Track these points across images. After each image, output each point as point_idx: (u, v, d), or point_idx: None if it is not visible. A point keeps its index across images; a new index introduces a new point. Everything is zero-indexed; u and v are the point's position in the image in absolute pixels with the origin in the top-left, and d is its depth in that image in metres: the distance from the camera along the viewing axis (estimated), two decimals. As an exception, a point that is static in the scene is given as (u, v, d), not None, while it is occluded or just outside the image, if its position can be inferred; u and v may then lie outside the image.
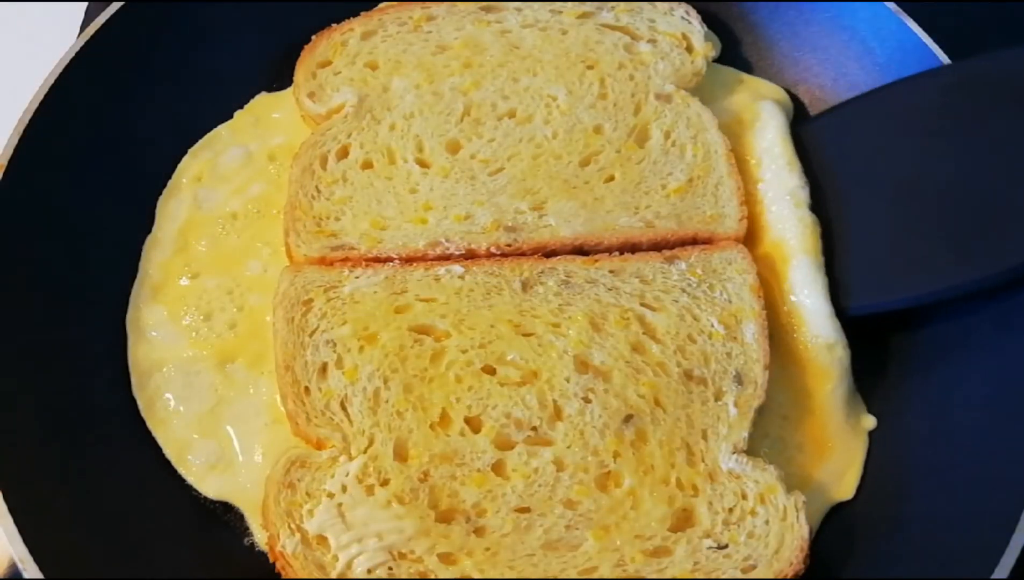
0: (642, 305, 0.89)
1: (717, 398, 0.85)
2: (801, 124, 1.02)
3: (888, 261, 0.89)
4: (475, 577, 0.77)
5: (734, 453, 0.82)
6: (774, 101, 1.02)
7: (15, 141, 0.89)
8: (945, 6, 1.07)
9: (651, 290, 0.90)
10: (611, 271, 0.91)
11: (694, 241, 0.94)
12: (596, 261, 0.92)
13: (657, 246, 0.94)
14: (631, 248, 0.93)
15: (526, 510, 0.80)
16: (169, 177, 1.01)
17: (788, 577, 0.77)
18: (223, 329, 0.91)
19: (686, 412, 0.84)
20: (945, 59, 0.96)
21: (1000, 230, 0.84)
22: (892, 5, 1.00)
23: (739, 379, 0.85)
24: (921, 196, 0.89)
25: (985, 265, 0.84)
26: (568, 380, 0.85)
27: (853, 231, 0.92)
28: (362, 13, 1.08)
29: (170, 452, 0.87)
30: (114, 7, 0.98)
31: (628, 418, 0.83)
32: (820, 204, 0.95)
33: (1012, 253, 0.83)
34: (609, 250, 0.93)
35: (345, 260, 0.92)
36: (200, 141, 1.03)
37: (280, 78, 1.06)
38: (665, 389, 0.85)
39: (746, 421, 0.83)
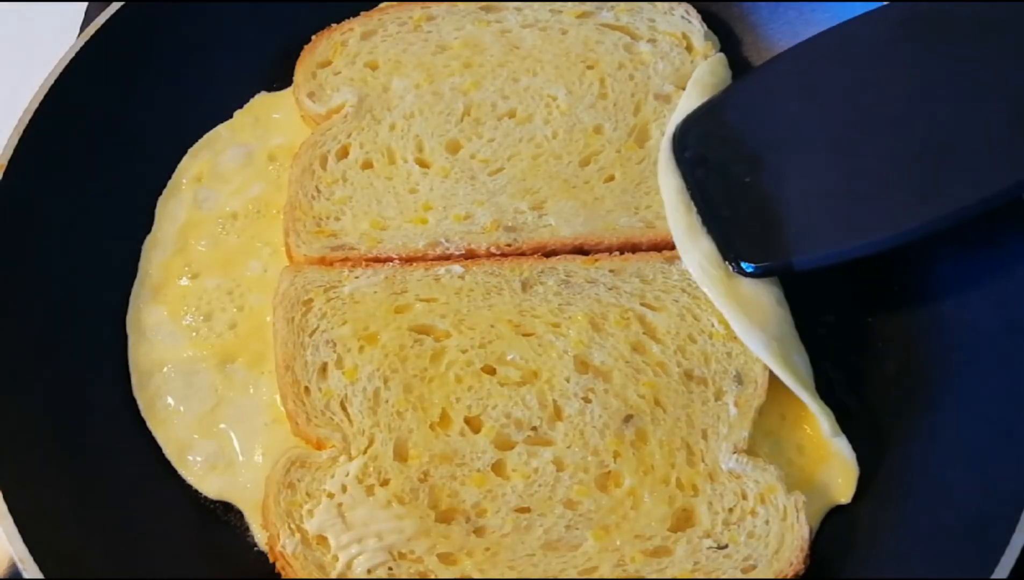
0: (642, 305, 0.89)
1: (717, 398, 0.85)
2: (741, 78, 1.00)
3: (839, 210, 0.86)
4: (475, 577, 0.77)
5: (734, 453, 0.82)
6: None
7: (15, 141, 0.89)
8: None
9: (651, 290, 0.90)
10: (611, 271, 0.91)
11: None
12: (596, 261, 0.92)
13: (657, 246, 0.93)
14: (631, 248, 0.93)
15: (526, 510, 0.80)
16: (169, 177, 1.01)
17: (788, 577, 0.77)
18: (223, 329, 0.91)
19: (686, 412, 0.84)
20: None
21: (952, 168, 0.81)
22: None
23: (739, 379, 0.85)
24: (868, 141, 0.86)
25: (938, 205, 0.81)
26: (568, 380, 0.85)
27: (804, 185, 0.88)
28: (362, 13, 1.08)
29: (170, 452, 0.87)
30: (114, 7, 0.98)
31: (628, 418, 0.83)
32: (764, 162, 0.91)
33: (965, 191, 0.80)
34: (609, 250, 0.93)
35: (345, 260, 0.92)
36: (200, 141, 1.03)
37: (280, 78, 1.06)
38: (665, 389, 0.85)
39: (746, 421, 0.84)
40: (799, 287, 0.90)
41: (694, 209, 0.91)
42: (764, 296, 0.87)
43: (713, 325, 0.88)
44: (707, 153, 0.93)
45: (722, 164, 0.92)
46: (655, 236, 0.93)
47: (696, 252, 0.89)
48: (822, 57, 0.93)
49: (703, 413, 0.84)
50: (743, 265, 0.87)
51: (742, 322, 0.85)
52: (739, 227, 0.89)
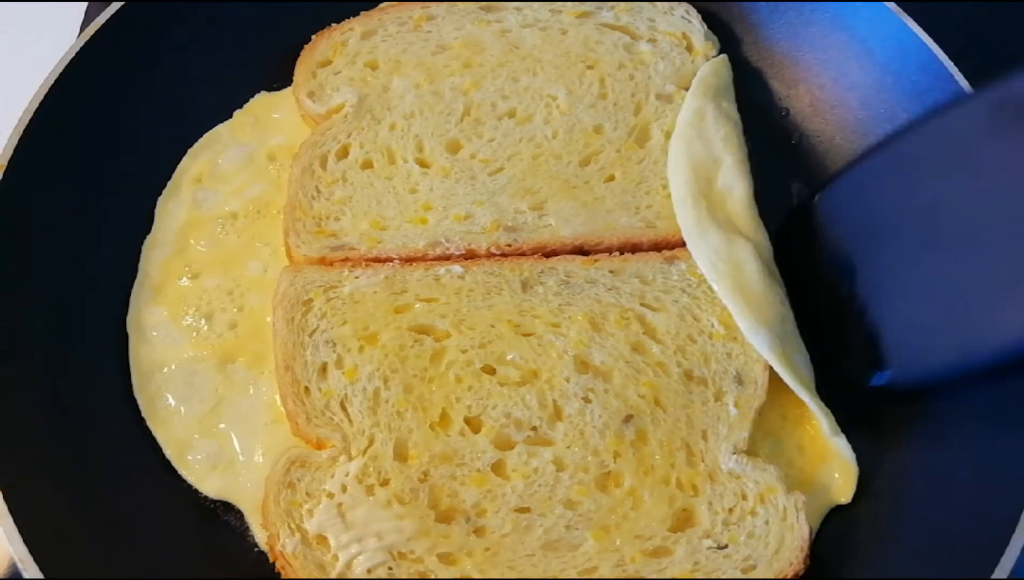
0: (642, 305, 0.89)
1: (717, 398, 0.85)
2: (821, 191, 0.92)
3: (943, 324, 0.78)
4: (475, 577, 0.77)
5: (734, 453, 0.82)
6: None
7: (15, 141, 0.89)
8: (945, 6, 1.06)
9: (651, 290, 0.90)
10: (611, 271, 0.91)
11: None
12: (596, 261, 0.92)
13: (658, 246, 0.94)
14: (632, 248, 0.93)
15: (526, 510, 0.80)
16: (168, 177, 1.01)
17: (788, 577, 0.78)
18: (223, 329, 0.91)
19: (686, 412, 0.84)
20: (944, 58, 0.96)
21: None
22: (892, 5, 1.00)
23: (739, 379, 0.85)
24: (974, 246, 0.78)
25: None
26: (568, 380, 0.85)
27: (890, 295, 0.83)
28: (362, 13, 1.08)
29: (170, 452, 0.87)
30: (114, 7, 0.98)
31: (628, 418, 0.83)
32: (846, 270, 0.87)
33: None
34: (609, 250, 0.93)
35: (345, 260, 0.92)
36: (200, 141, 1.03)
37: (280, 78, 1.06)
38: (665, 389, 0.85)
39: (746, 421, 0.84)
40: (799, 285, 0.90)
41: (703, 204, 0.91)
42: (771, 296, 0.87)
43: (713, 325, 0.88)
44: (803, 257, 0.90)
45: (818, 268, 0.89)
46: (656, 236, 0.93)
47: (705, 246, 0.89)
48: (915, 154, 0.85)
49: (703, 413, 0.84)
50: (860, 379, 0.84)
51: (748, 319, 0.86)
52: (838, 339, 0.86)
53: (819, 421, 0.84)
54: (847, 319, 0.85)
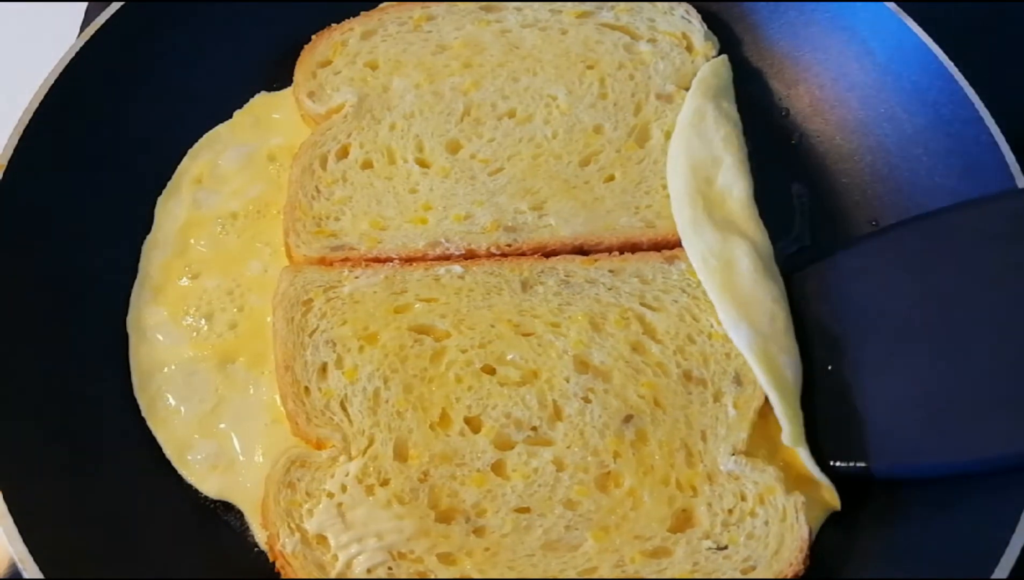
0: (642, 305, 0.89)
1: (716, 399, 0.85)
2: (825, 262, 0.91)
3: (928, 419, 0.78)
4: (475, 577, 0.77)
5: (733, 454, 0.82)
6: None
7: (15, 141, 0.89)
8: (945, 6, 1.06)
9: (651, 290, 0.90)
10: (611, 271, 0.91)
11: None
12: (596, 261, 0.92)
13: (657, 246, 0.94)
14: (631, 248, 0.93)
15: (526, 510, 0.80)
16: (168, 177, 1.01)
17: (788, 578, 0.77)
18: (223, 329, 0.91)
19: (685, 413, 0.84)
20: (944, 58, 0.96)
21: None
22: (892, 5, 1.00)
23: (738, 380, 0.85)
24: (966, 344, 0.78)
25: None
26: (568, 380, 0.85)
27: (886, 383, 0.82)
28: (362, 13, 1.08)
29: (171, 452, 0.87)
30: (114, 7, 0.98)
31: (628, 418, 0.83)
32: (835, 349, 0.86)
33: None
34: (609, 250, 0.93)
35: (345, 260, 0.92)
36: (200, 141, 1.03)
37: (280, 78, 1.06)
38: (664, 390, 0.85)
39: (745, 422, 0.83)
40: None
41: (700, 202, 0.91)
42: (761, 294, 0.87)
43: (712, 325, 0.88)
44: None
45: (804, 346, 0.87)
46: (655, 235, 0.93)
47: (700, 244, 0.89)
48: (922, 243, 0.85)
49: (702, 414, 0.84)
50: (833, 461, 0.82)
51: (730, 315, 0.86)
52: (816, 417, 0.84)
53: (782, 427, 0.83)
54: (827, 398, 0.84)
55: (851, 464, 0.81)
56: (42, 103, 0.91)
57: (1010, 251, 0.79)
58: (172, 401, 0.89)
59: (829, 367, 0.85)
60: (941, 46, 0.97)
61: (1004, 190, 0.87)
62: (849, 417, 0.82)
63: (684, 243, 0.91)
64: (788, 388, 0.84)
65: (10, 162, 0.88)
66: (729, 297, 0.87)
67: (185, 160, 1.02)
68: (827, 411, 0.84)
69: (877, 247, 0.88)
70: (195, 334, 0.91)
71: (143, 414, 0.89)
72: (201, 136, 1.03)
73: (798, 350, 0.86)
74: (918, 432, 0.78)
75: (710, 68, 1.02)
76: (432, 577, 0.77)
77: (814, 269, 0.91)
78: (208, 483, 0.85)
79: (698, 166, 0.94)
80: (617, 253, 0.93)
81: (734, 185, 0.93)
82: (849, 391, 0.83)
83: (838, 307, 0.87)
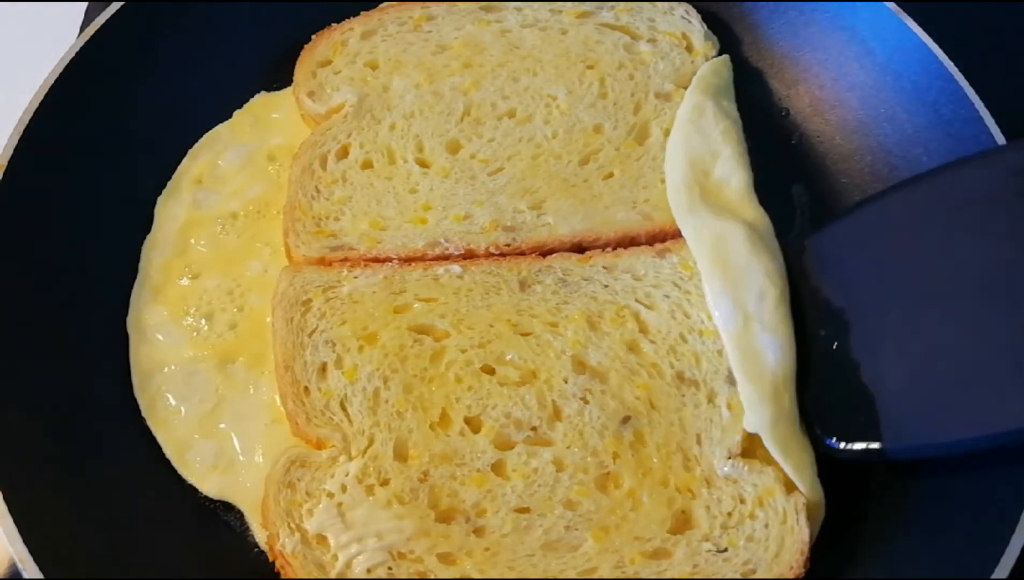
0: (636, 301, 0.89)
1: (710, 401, 0.84)
2: (815, 233, 0.88)
3: (942, 394, 0.74)
4: (475, 577, 0.77)
5: (729, 458, 0.82)
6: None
7: (15, 141, 0.89)
8: (945, 6, 1.06)
9: (643, 286, 0.90)
10: (605, 268, 0.91)
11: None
12: (590, 258, 0.92)
13: (654, 238, 0.93)
14: (629, 241, 0.93)
15: (526, 510, 0.80)
16: (168, 177, 1.01)
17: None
18: (223, 329, 0.92)
19: (679, 416, 0.84)
20: (944, 58, 0.96)
21: None
22: (892, 5, 1.00)
23: (731, 380, 0.85)
24: (973, 312, 0.74)
25: None
26: (566, 380, 0.85)
27: (899, 358, 0.77)
28: (362, 13, 1.08)
29: (171, 452, 0.87)
30: (114, 7, 0.98)
31: (626, 419, 0.83)
32: (839, 325, 0.82)
33: None
34: (607, 245, 0.93)
35: (344, 260, 0.92)
36: (200, 141, 1.03)
37: (280, 78, 1.06)
38: (659, 392, 0.85)
39: (739, 424, 0.83)
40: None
41: (696, 190, 0.91)
42: (754, 267, 0.85)
43: (703, 321, 0.87)
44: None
45: (807, 324, 0.83)
46: (652, 227, 0.94)
47: (694, 220, 0.90)
48: (922, 207, 0.80)
49: (695, 417, 0.84)
50: (829, 442, 0.79)
51: (715, 289, 0.85)
52: (825, 397, 0.80)
53: (745, 410, 0.80)
54: (836, 378, 0.81)
55: (865, 446, 0.77)
56: (42, 103, 0.91)
57: (1011, 207, 0.75)
58: (172, 401, 0.89)
59: (835, 345, 0.81)
60: (941, 46, 0.97)
61: (999, 146, 0.84)
62: (859, 397, 0.78)
63: (681, 228, 0.91)
64: (761, 370, 0.81)
65: (10, 162, 0.88)
66: (719, 271, 0.85)
67: (185, 160, 1.02)
68: (836, 392, 0.80)
69: (872, 214, 0.85)
70: (195, 334, 0.91)
71: (143, 414, 0.89)
72: (201, 136, 1.03)
73: (791, 330, 0.83)
74: (931, 407, 0.74)
75: (711, 67, 1.02)
76: (432, 577, 0.77)
77: (808, 242, 0.88)
78: (208, 483, 0.85)
79: (696, 160, 0.94)
80: (611, 249, 0.93)
81: (732, 176, 0.93)
82: (857, 369, 0.79)
83: (837, 280, 0.83)
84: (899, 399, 0.77)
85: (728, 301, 0.84)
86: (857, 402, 0.78)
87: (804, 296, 0.85)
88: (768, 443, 0.80)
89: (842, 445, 0.79)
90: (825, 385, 0.81)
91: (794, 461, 0.80)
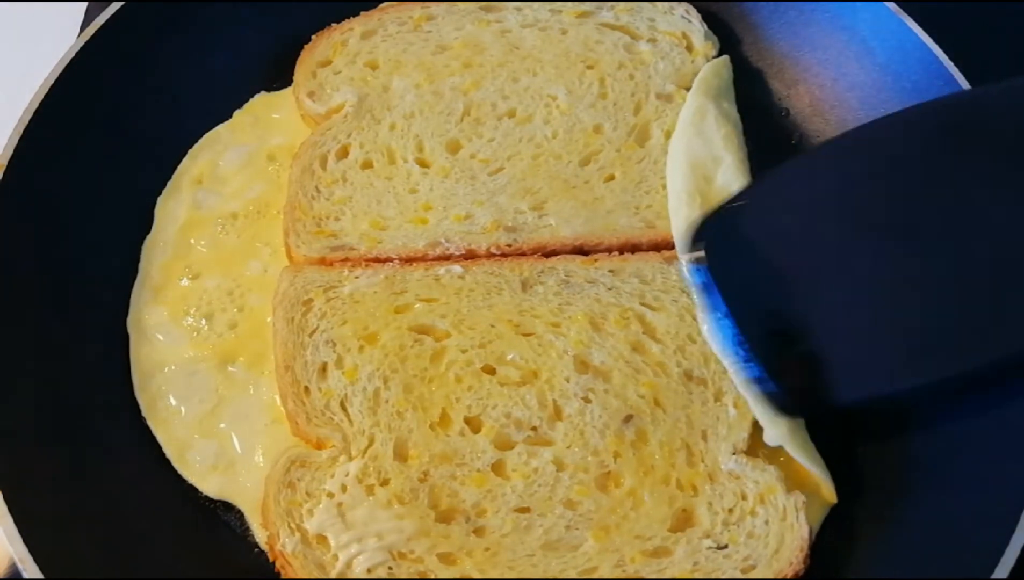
0: (642, 305, 0.89)
1: (717, 399, 0.85)
2: (764, 178, 0.88)
3: (883, 341, 0.76)
4: (475, 577, 0.77)
5: (734, 454, 0.82)
6: None
7: (15, 141, 0.89)
8: (945, 6, 1.06)
9: (651, 290, 0.90)
10: (611, 271, 0.91)
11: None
12: (596, 261, 0.92)
13: (657, 246, 0.93)
14: (631, 248, 0.93)
15: (526, 510, 0.80)
16: (168, 177, 1.01)
17: (788, 577, 0.77)
18: (224, 329, 0.91)
19: (686, 413, 0.84)
20: (944, 58, 0.96)
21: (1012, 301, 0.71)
22: (892, 5, 1.00)
23: (738, 379, 0.85)
24: (911, 260, 0.75)
25: (997, 345, 0.71)
26: (568, 380, 0.85)
27: (842, 308, 0.78)
28: (362, 13, 1.08)
29: (171, 452, 0.87)
30: (114, 7, 0.98)
31: (628, 418, 0.83)
32: (794, 278, 0.80)
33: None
34: (609, 250, 0.93)
35: (345, 260, 0.92)
36: (200, 142, 1.03)
37: (280, 78, 1.06)
38: (665, 389, 0.85)
39: (746, 422, 0.83)
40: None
41: (697, 201, 0.91)
42: None
43: (713, 325, 0.87)
44: (728, 265, 0.82)
45: (745, 279, 0.81)
46: (655, 236, 0.93)
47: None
48: (857, 159, 0.80)
49: (703, 414, 0.84)
50: (780, 396, 0.79)
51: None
52: (772, 352, 0.79)
53: (763, 427, 0.81)
54: (783, 333, 0.80)
55: (820, 398, 0.77)
56: (42, 103, 0.91)
57: (956, 154, 0.76)
58: (172, 401, 0.89)
59: (775, 298, 0.80)
60: (941, 46, 0.97)
61: (945, 95, 0.85)
62: (811, 350, 0.78)
63: (677, 242, 0.90)
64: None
65: (10, 162, 0.88)
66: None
67: (185, 160, 1.02)
68: (790, 348, 0.79)
69: (811, 165, 0.84)
70: (195, 334, 0.91)
71: (143, 414, 0.89)
72: (201, 136, 1.03)
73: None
74: (873, 355, 0.76)
75: (711, 68, 1.02)
76: (432, 577, 0.77)
77: (750, 196, 0.86)
78: (208, 483, 0.85)
79: (698, 164, 0.94)
80: (617, 253, 0.93)
81: (733, 184, 0.93)
82: (807, 324, 0.78)
83: (778, 233, 0.81)
84: (843, 347, 0.77)
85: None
86: (811, 357, 0.78)
87: (746, 248, 0.83)
88: (793, 452, 0.81)
89: (799, 401, 0.80)
90: (774, 337, 0.80)
91: (816, 461, 0.82)
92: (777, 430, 0.81)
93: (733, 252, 0.82)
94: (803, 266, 0.79)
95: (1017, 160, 0.73)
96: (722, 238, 0.82)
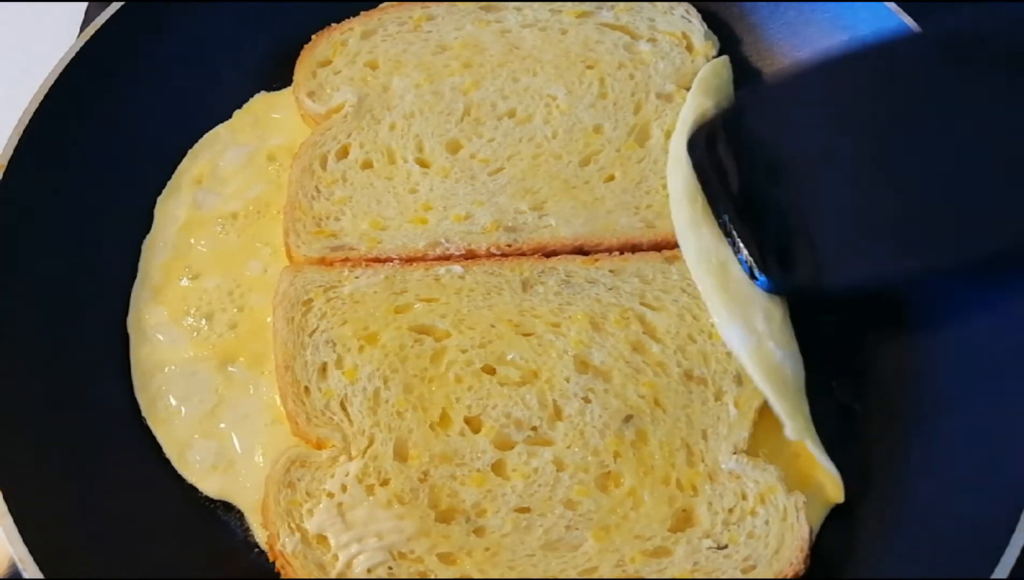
0: (642, 304, 0.89)
1: (717, 398, 0.85)
2: (764, 85, 0.96)
3: (870, 235, 0.83)
4: (475, 577, 0.77)
5: (734, 453, 0.82)
6: None
7: (15, 141, 0.89)
8: (945, 6, 1.06)
9: (651, 290, 0.90)
10: (611, 271, 0.91)
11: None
12: (596, 261, 0.92)
13: (658, 246, 0.93)
14: (632, 248, 0.93)
15: (526, 510, 0.80)
16: (168, 177, 1.01)
17: (788, 577, 0.77)
18: (224, 329, 0.92)
19: (686, 412, 0.84)
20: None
21: (986, 205, 0.79)
22: (892, 5, 1.00)
23: (739, 379, 0.85)
24: (901, 165, 0.82)
25: (974, 242, 0.79)
26: (568, 380, 0.85)
27: (831, 204, 0.84)
28: (362, 13, 1.08)
29: (171, 452, 0.87)
30: (114, 7, 0.98)
31: (628, 418, 0.83)
32: (788, 175, 0.87)
33: (1001, 229, 0.79)
34: (609, 250, 0.93)
35: (345, 260, 0.92)
36: (199, 142, 1.03)
37: (280, 78, 1.06)
38: (665, 389, 0.85)
39: (746, 421, 0.83)
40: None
41: (699, 200, 0.91)
42: (757, 293, 0.86)
43: (713, 325, 0.87)
44: (727, 160, 0.89)
45: (743, 174, 0.88)
46: (655, 236, 0.93)
47: (696, 242, 0.89)
48: (853, 73, 0.87)
49: (703, 413, 0.84)
50: (766, 279, 0.84)
51: (724, 317, 0.85)
52: (762, 241, 0.85)
53: (783, 423, 0.82)
54: (772, 222, 0.86)
55: (805, 282, 0.83)
56: (42, 103, 0.91)
57: (928, 80, 0.83)
58: (172, 401, 0.89)
59: (770, 193, 0.86)
60: (941, 46, 0.97)
61: (921, 30, 0.92)
62: (795, 239, 0.84)
63: (680, 243, 0.91)
64: (786, 384, 0.83)
65: (10, 162, 0.88)
66: (724, 297, 0.86)
67: (185, 160, 1.02)
68: (773, 234, 0.85)
69: (809, 77, 0.90)
70: (195, 334, 0.91)
71: (143, 414, 0.89)
72: (201, 136, 1.03)
73: (796, 344, 0.86)
74: (860, 247, 0.82)
75: (711, 68, 1.02)
76: (432, 577, 0.77)
77: (751, 98, 0.93)
78: (208, 483, 0.85)
79: None
80: (617, 253, 0.93)
81: None
82: (791, 215, 0.84)
83: (776, 133, 0.88)
84: (832, 235, 0.83)
85: (739, 324, 0.85)
86: (791, 243, 0.84)
87: (747, 148, 0.89)
88: (811, 447, 0.82)
89: (779, 283, 0.84)
90: (761, 229, 0.86)
91: (827, 458, 0.83)
92: (795, 424, 0.82)
93: (732, 145, 0.88)
94: (797, 162, 0.86)
95: (1009, 75, 0.80)
96: (724, 131, 0.89)
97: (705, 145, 0.90)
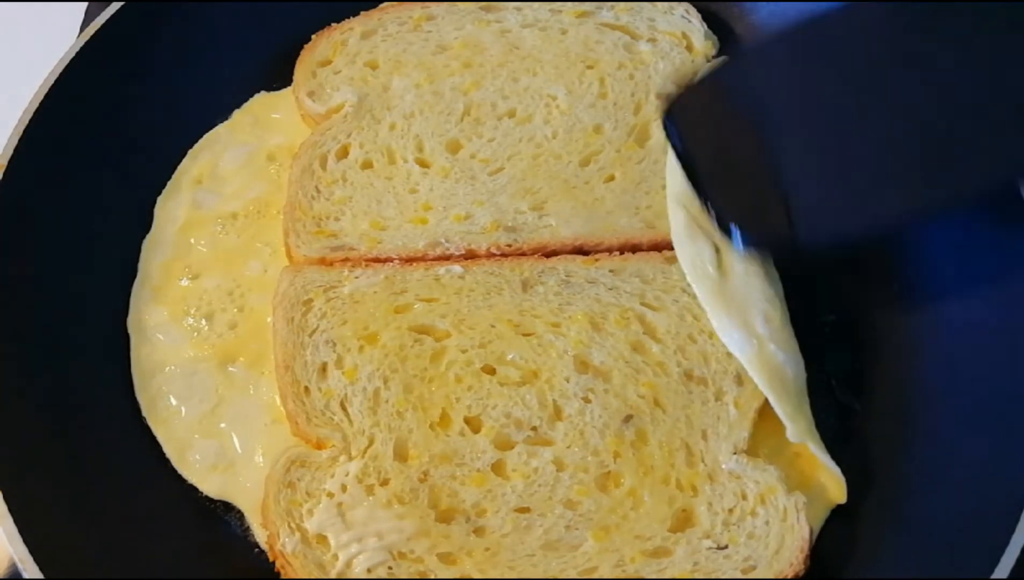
0: (642, 304, 0.89)
1: (717, 398, 0.84)
2: (738, 53, 0.96)
3: (843, 191, 0.83)
4: (475, 577, 0.77)
5: (734, 454, 0.82)
6: None
7: (15, 141, 0.89)
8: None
9: (651, 290, 0.90)
10: (611, 271, 0.91)
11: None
12: (596, 261, 0.92)
13: (658, 246, 0.93)
14: (631, 249, 0.93)
15: (526, 510, 0.80)
16: (168, 177, 1.01)
17: (788, 578, 0.77)
18: (224, 329, 0.92)
19: (686, 412, 0.84)
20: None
21: (955, 157, 0.80)
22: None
23: (739, 379, 0.85)
24: (871, 124, 0.83)
25: (941, 193, 0.81)
26: (568, 380, 0.85)
27: (805, 164, 0.85)
28: (362, 13, 1.08)
29: (171, 452, 0.87)
30: (114, 7, 0.98)
31: (628, 418, 0.83)
32: (763, 138, 0.86)
33: (969, 179, 0.80)
34: (609, 250, 0.93)
35: (345, 260, 0.92)
36: (199, 142, 1.03)
37: (280, 78, 1.06)
38: (665, 389, 0.85)
39: (746, 421, 0.83)
40: (799, 286, 0.90)
41: (696, 205, 0.91)
42: (755, 296, 0.86)
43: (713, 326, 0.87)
44: (703, 126, 0.88)
45: (719, 138, 0.88)
46: (655, 236, 0.93)
47: (692, 248, 0.89)
48: (824, 38, 0.88)
49: (703, 413, 0.84)
50: (741, 236, 0.83)
51: (722, 321, 0.85)
52: (739, 201, 0.85)
53: (785, 425, 0.82)
54: (748, 183, 0.85)
55: (783, 239, 0.84)
56: (42, 103, 0.91)
57: (895, 42, 0.84)
58: (172, 401, 0.89)
59: (746, 155, 0.86)
60: (941, 46, 0.97)
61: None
62: (770, 198, 0.83)
63: (676, 247, 0.90)
64: (788, 386, 0.84)
65: (10, 162, 0.88)
66: (721, 302, 0.86)
67: (185, 160, 1.02)
68: (749, 195, 0.85)
69: (775, 47, 0.90)
70: (195, 334, 0.91)
71: (143, 414, 0.89)
72: (201, 136, 1.03)
73: (796, 344, 0.86)
74: (833, 203, 0.83)
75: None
76: (432, 577, 0.77)
77: (724, 68, 0.94)
78: (208, 483, 0.86)
79: None
80: (617, 253, 0.93)
81: None
82: (767, 175, 0.84)
83: (751, 101, 0.88)
84: (805, 193, 0.83)
85: (738, 329, 0.85)
86: (767, 202, 0.84)
87: (720, 112, 0.89)
88: (814, 449, 0.82)
89: (753, 239, 0.84)
90: (737, 190, 0.86)
91: (829, 459, 0.82)
92: (797, 426, 0.82)
93: (705, 112, 0.88)
94: (769, 123, 0.86)
95: (975, 25, 0.82)
96: (696, 100, 0.90)
97: (680, 114, 0.89)
